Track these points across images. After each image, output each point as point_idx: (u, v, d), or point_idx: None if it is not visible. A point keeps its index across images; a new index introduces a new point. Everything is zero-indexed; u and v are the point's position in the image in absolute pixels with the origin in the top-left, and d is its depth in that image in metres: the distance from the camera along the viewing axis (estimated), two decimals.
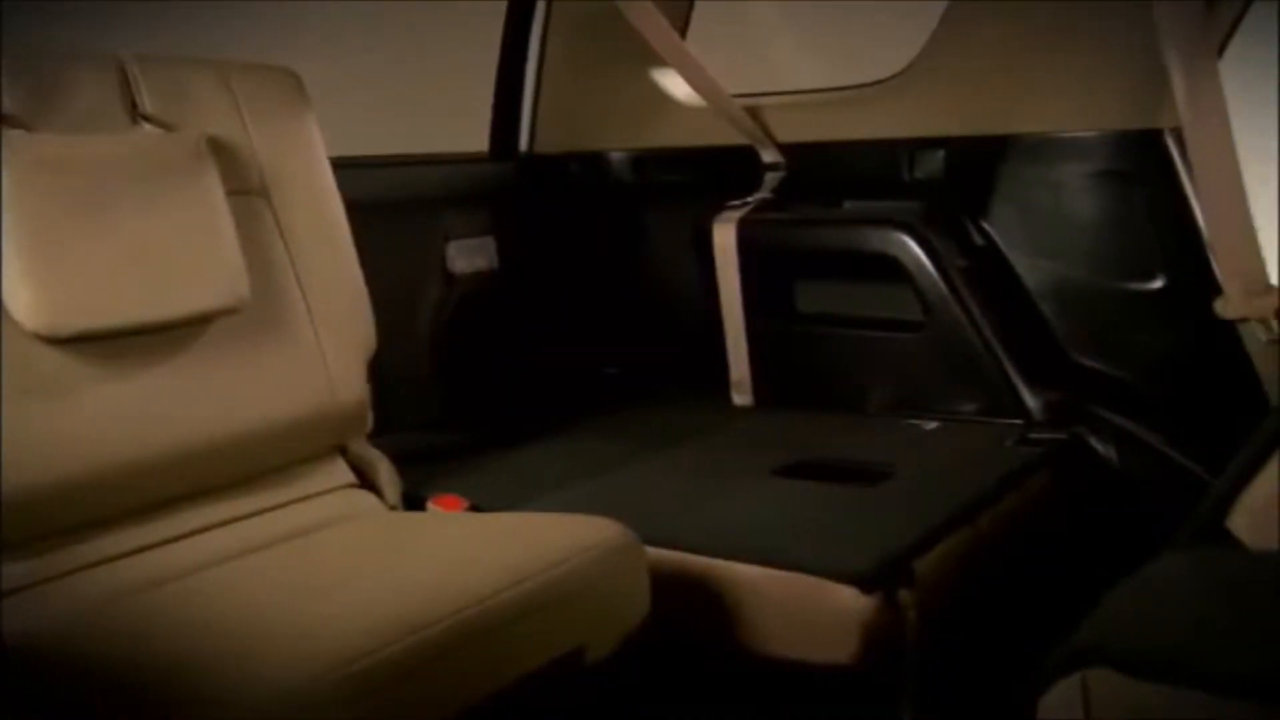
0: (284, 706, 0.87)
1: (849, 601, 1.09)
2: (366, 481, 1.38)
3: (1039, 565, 1.39)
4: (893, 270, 1.65)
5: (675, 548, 1.20)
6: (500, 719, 1.02)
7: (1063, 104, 1.58)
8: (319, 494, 1.33)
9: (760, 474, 1.44)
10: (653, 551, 1.16)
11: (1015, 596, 1.35)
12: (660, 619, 1.13)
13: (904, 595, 1.11)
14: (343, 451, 1.38)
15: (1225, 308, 1.29)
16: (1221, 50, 1.44)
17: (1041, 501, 1.41)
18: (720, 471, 1.48)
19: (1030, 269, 1.61)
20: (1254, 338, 1.32)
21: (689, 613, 1.18)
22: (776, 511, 1.31)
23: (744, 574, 1.16)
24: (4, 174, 1.09)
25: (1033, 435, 1.50)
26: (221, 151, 1.27)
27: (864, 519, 1.26)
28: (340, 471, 1.37)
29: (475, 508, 1.38)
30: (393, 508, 1.37)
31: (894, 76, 1.75)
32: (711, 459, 1.56)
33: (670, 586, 1.16)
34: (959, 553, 1.22)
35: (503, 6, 2.03)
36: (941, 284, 1.61)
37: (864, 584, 1.09)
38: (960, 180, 1.65)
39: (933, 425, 1.59)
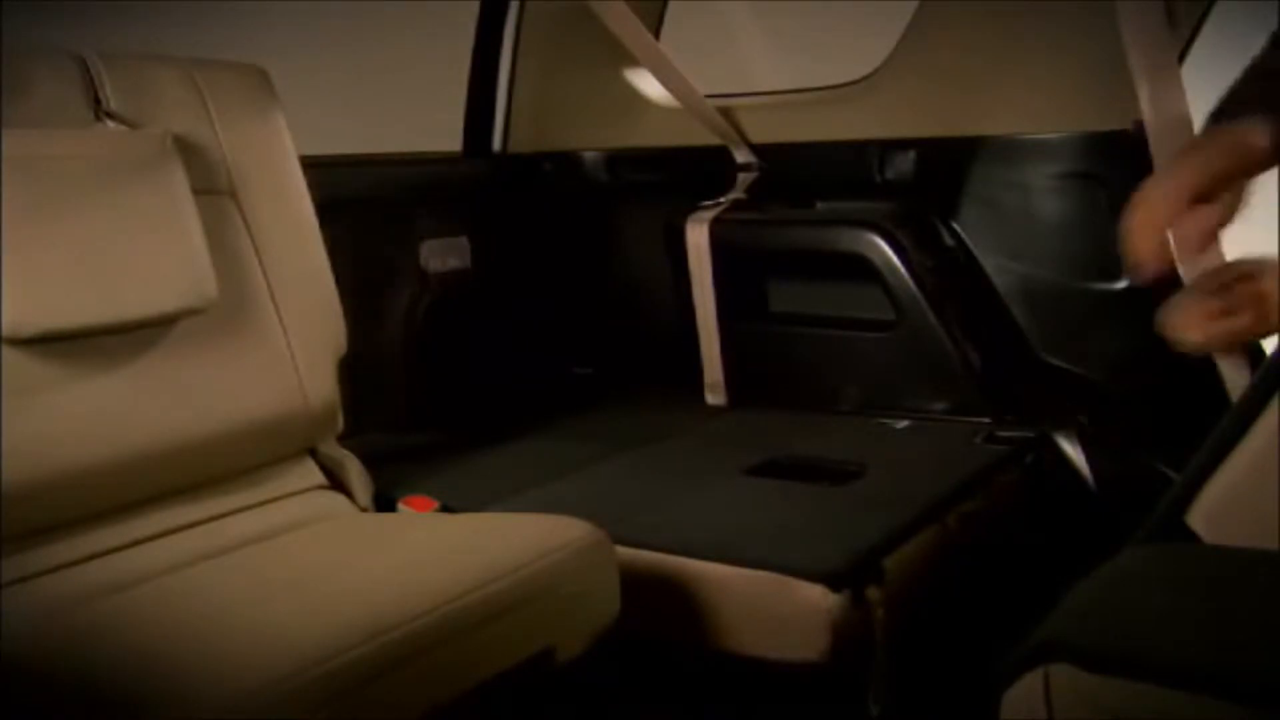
0: (250, 708, 0.86)
1: (817, 599, 1.10)
2: (337, 483, 1.38)
3: (1006, 561, 1.40)
4: (864, 270, 1.66)
5: (644, 547, 1.20)
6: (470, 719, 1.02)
7: (1032, 105, 1.60)
8: (289, 495, 1.33)
9: (730, 473, 1.45)
10: (622, 551, 1.16)
11: (982, 593, 1.36)
12: (630, 619, 1.13)
13: (872, 592, 1.12)
14: (313, 453, 1.38)
15: None
16: (1185, 52, 1.46)
17: (1009, 498, 1.43)
18: (690, 471, 1.48)
19: (999, 269, 1.63)
20: None
21: (658, 612, 1.19)
22: (745, 510, 1.32)
23: (712, 573, 1.16)
24: None
25: (1001, 434, 1.51)
26: (188, 150, 1.26)
27: (832, 517, 1.27)
28: (310, 473, 1.36)
29: (447, 508, 1.37)
30: (363, 509, 1.36)
31: (865, 77, 1.76)
32: (682, 458, 1.56)
33: (640, 586, 1.16)
34: (927, 550, 1.23)
35: (475, 5, 2.02)
36: (912, 284, 1.62)
37: (832, 582, 1.10)
38: (931, 181, 1.66)
39: (903, 424, 1.60)
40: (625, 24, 1.72)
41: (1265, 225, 1.28)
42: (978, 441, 1.51)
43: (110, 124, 1.22)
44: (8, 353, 1.09)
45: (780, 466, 1.46)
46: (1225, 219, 0.91)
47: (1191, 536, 0.81)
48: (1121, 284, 1.51)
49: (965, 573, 1.30)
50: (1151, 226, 0.88)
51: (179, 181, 1.22)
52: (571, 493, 1.41)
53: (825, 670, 1.10)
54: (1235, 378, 1.26)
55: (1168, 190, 0.87)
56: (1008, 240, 1.62)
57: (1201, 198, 0.87)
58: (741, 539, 1.21)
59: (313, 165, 1.40)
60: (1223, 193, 0.88)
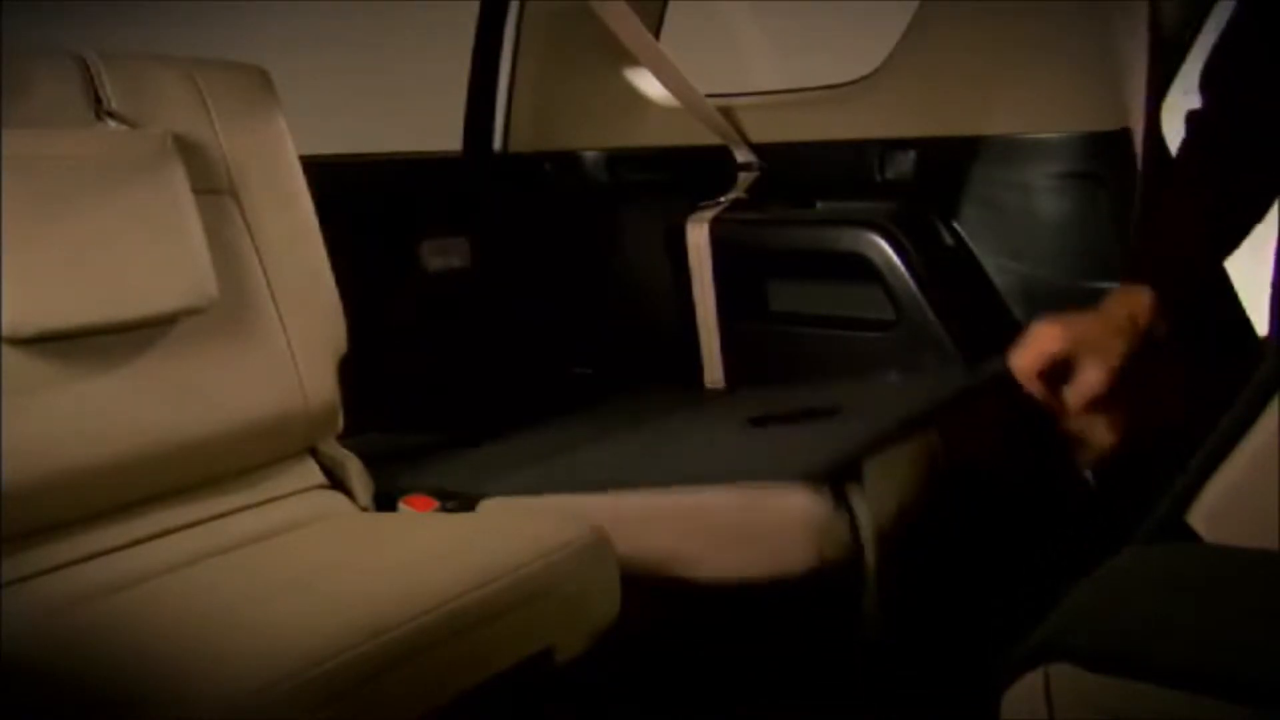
0: (250, 708, 0.86)
1: (798, 501, 1.08)
2: (337, 482, 1.38)
3: (1005, 560, 1.40)
4: (864, 270, 1.66)
5: (630, 488, 1.19)
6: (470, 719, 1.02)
7: (1032, 105, 1.60)
8: (289, 495, 1.33)
9: (718, 425, 1.45)
10: (609, 497, 1.15)
11: (981, 593, 1.36)
12: (622, 562, 1.12)
13: (853, 489, 1.10)
14: (313, 452, 1.38)
15: None
16: (1185, 52, 1.46)
17: (991, 423, 1.40)
18: (679, 429, 1.49)
19: (1000, 269, 1.63)
20: None
21: (649, 551, 1.16)
22: (729, 445, 1.32)
23: (694, 499, 1.16)
24: None
25: (979, 364, 1.47)
26: (188, 150, 1.26)
27: (814, 438, 1.26)
28: (311, 472, 1.36)
29: (443, 492, 1.36)
30: (364, 508, 1.36)
31: (866, 77, 1.76)
32: (672, 422, 1.56)
33: (628, 526, 1.14)
34: (909, 457, 1.22)
35: (475, 5, 2.02)
36: (912, 284, 1.62)
37: (811, 481, 1.08)
38: (931, 181, 1.66)
39: (895, 378, 1.59)
40: (626, 23, 1.72)
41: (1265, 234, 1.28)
42: (958, 369, 1.50)
43: (111, 124, 1.22)
44: (7, 352, 1.09)
45: (768, 418, 1.45)
46: (1102, 381, 1.03)
47: (1192, 536, 0.81)
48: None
49: (951, 489, 1.26)
50: (1028, 376, 1.03)
51: (179, 181, 1.22)
52: (563, 459, 1.39)
53: (816, 582, 1.09)
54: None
55: (1029, 353, 1.03)
56: (1008, 240, 1.62)
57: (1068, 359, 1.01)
58: (721, 464, 1.20)
59: (313, 165, 1.40)
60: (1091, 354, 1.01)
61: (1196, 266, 1.15)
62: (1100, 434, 1.10)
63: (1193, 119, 1.17)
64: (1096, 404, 1.06)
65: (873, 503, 1.12)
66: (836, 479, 1.10)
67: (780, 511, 1.09)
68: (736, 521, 1.13)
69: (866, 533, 1.10)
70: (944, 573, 1.29)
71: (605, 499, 1.20)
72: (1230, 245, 1.22)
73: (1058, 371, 1.05)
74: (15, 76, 1.16)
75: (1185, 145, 1.17)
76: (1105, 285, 1.54)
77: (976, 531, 1.33)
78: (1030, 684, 0.70)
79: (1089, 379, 1.05)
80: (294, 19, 1.98)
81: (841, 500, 1.09)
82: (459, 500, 1.32)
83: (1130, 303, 1.10)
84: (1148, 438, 1.09)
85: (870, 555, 1.10)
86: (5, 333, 1.08)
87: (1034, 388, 1.05)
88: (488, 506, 1.29)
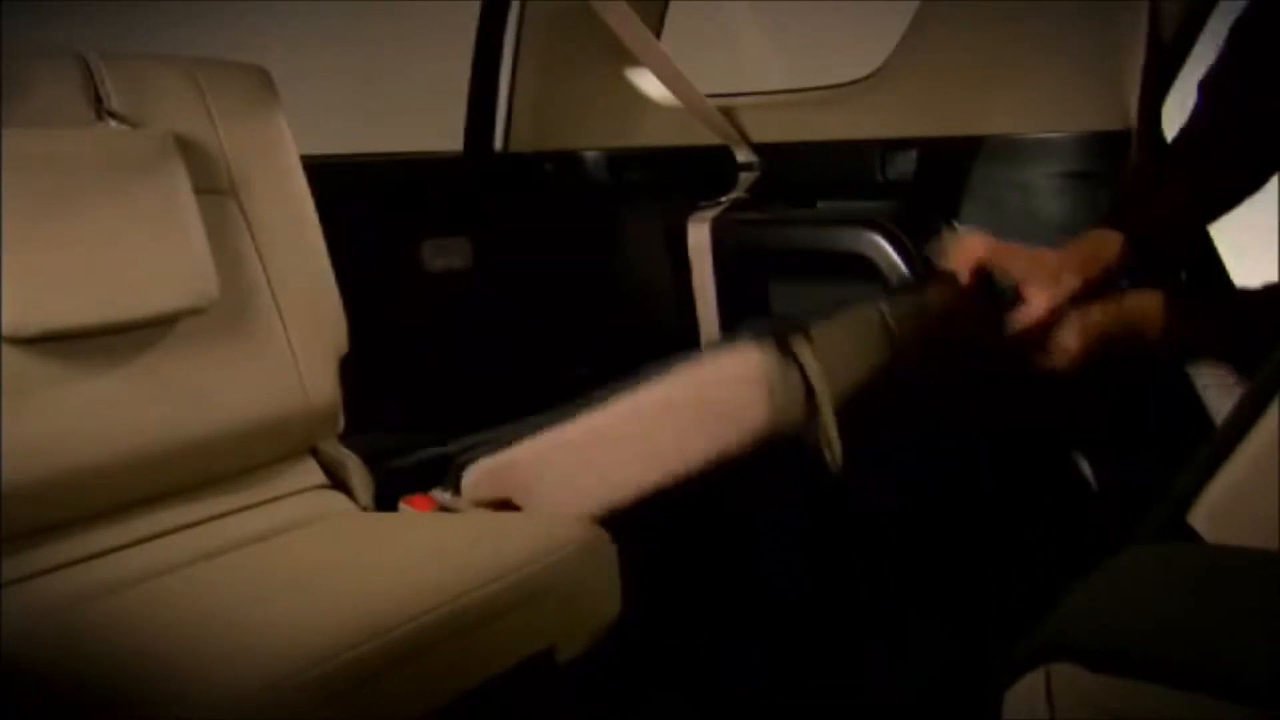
0: (250, 708, 0.86)
1: (747, 359, 1.12)
2: (338, 482, 1.37)
3: (1006, 559, 1.40)
4: (866, 270, 1.66)
5: (598, 406, 1.21)
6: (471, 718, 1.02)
7: (1033, 105, 1.60)
8: (290, 495, 1.32)
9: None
10: (578, 423, 1.17)
11: (982, 591, 1.36)
12: (602, 479, 1.14)
13: (799, 344, 1.13)
14: (314, 452, 1.38)
15: None
16: (1186, 53, 1.46)
17: (947, 308, 1.38)
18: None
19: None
20: None
21: (623, 459, 1.19)
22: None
23: (655, 395, 1.18)
24: None
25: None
26: (189, 149, 1.25)
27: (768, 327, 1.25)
28: (312, 472, 1.36)
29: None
30: (364, 508, 1.36)
31: (867, 77, 1.76)
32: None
33: (603, 444, 1.18)
34: (857, 320, 1.25)
35: (476, 5, 2.02)
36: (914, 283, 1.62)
37: (756, 339, 1.12)
38: (932, 180, 1.66)
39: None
40: (626, 24, 1.72)
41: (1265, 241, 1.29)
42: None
43: (112, 124, 1.22)
44: (9, 352, 1.09)
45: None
46: (1042, 309, 1.18)
47: (1193, 536, 0.81)
48: (1122, 284, 1.51)
49: (902, 373, 1.27)
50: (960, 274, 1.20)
51: (180, 181, 1.22)
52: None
53: (777, 431, 1.12)
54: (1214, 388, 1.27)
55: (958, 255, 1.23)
56: (1009, 239, 1.61)
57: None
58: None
59: (314, 164, 1.40)
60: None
61: (1175, 224, 1.25)
62: (1053, 350, 1.21)
63: (1209, 84, 1.19)
64: (1043, 327, 1.18)
65: (822, 356, 1.15)
66: (782, 336, 1.14)
67: (732, 374, 1.13)
68: (695, 401, 1.16)
69: (818, 381, 1.13)
70: (949, 614, 1.30)
71: (575, 425, 1.21)
72: (1214, 213, 1.27)
73: (1010, 297, 1.18)
74: (16, 76, 1.16)
75: (1194, 112, 1.21)
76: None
77: (984, 587, 1.34)
78: (1032, 684, 0.70)
79: (1032, 306, 1.19)
80: (293, 19, 1.98)
81: (788, 353, 1.13)
82: (437, 463, 1.32)
83: (1097, 245, 1.21)
84: (1100, 364, 1.20)
85: (824, 402, 1.13)
86: (7, 332, 1.08)
87: (965, 287, 1.22)
88: (470, 476, 1.28)
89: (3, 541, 1.08)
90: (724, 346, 1.14)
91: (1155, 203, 1.27)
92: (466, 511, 1.30)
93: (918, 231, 1.65)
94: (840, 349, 1.20)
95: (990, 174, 1.63)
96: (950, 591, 1.59)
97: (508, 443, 1.25)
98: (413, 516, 1.33)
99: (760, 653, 1.51)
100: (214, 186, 1.29)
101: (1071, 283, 1.21)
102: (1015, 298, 1.26)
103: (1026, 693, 0.71)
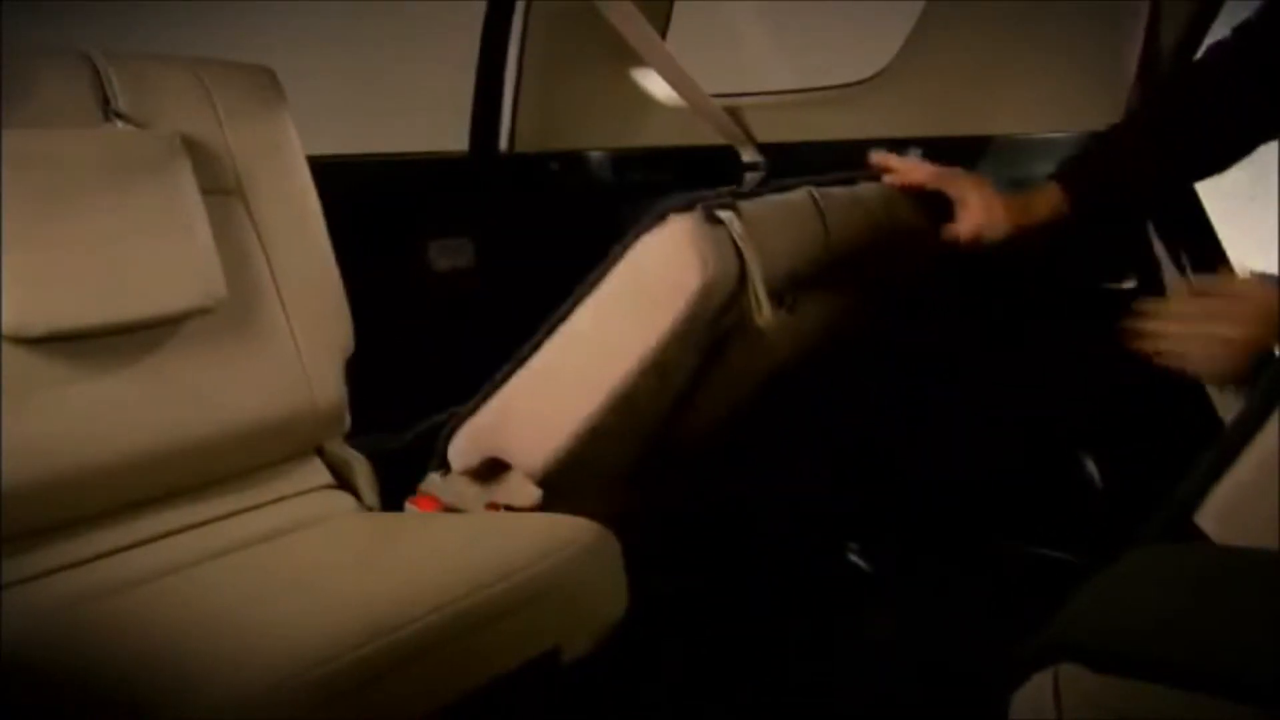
0: (254, 708, 0.86)
1: (672, 229, 1.13)
2: (344, 482, 1.38)
3: (1011, 560, 1.40)
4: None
5: (545, 336, 1.25)
6: (476, 718, 1.02)
7: (1037, 105, 1.59)
8: (296, 495, 1.33)
9: None
10: (529, 367, 1.21)
11: (987, 592, 1.35)
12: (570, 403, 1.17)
13: (725, 214, 1.15)
14: (320, 452, 1.38)
15: None
16: (1189, 54, 1.46)
17: (886, 209, 1.39)
18: None
19: (1007, 267, 1.62)
20: None
21: (583, 383, 1.21)
22: None
23: (595, 298, 1.21)
24: None
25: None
26: (195, 150, 1.26)
27: None
28: (318, 472, 1.36)
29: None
30: (370, 508, 1.36)
31: (872, 77, 1.76)
32: None
33: (557, 373, 1.22)
34: (787, 207, 1.26)
35: (481, 5, 2.02)
36: (919, 283, 1.62)
37: (679, 211, 1.14)
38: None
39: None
40: (631, 23, 1.72)
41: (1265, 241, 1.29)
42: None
43: (119, 124, 1.22)
44: (16, 352, 1.09)
45: None
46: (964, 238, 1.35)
47: (1201, 536, 0.81)
48: (1129, 284, 1.51)
49: (834, 242, 1.29)
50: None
51: (187, 182, 1.22)
52: None
53: (713, 298, 1.14)
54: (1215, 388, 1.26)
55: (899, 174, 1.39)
56: (1016, 238, 1.61)
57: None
58: None
59: (319, 164, 1.40)
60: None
61: (1125, 192, 1.31)
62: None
63: (1215, 50, 1.22)
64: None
65: (749, 224, 1.16)
66: (708, 206, 1.16)
67: (663, 249, 1.15)
68: (632, 290, 1.17)
69: (745, 245, 1.14)
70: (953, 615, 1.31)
71: (528, 367, 1.24)
72: (1167, 189, 1.32)
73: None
74: (24, 76, 1.16)
75: (1168, 85, 1.27)
76: (1112, 286, 1.56)
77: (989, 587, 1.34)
78: (1039, 685, 0.70)
79: (960, 229, 1.33)
80: (295, 19, 1.98)
81: (714, 219, 1.14)
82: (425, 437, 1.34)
83: (1039, 199, 1.31)
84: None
85: (752, 263, 1.15)
86: (14, 333, 1.09)
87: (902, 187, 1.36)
88: (454, 450, 1.30)
89: (3, 542, 1.08)
90: (651, 224, 1.15)
91: (1109, 169, 1.31)
92: (471, 511, 1.31)
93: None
94: (769, 222, 1.21)
95: (995, 174, 1.62)
96: (955, 590, 1.59)
97: (475, 408, 1.28)
98: (418, 517, 1.33)
99: (760, 653, 1.51)
100: (220, 187, 1.29)
101: (1001, 226, 1.32)
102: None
103: (1034, 694, 0.71)
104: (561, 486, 1.27)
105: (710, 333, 1.21)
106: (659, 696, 1.39)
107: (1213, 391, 1.28)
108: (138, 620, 1.03)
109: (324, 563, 1.17)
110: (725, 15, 2.27)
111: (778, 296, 1.22)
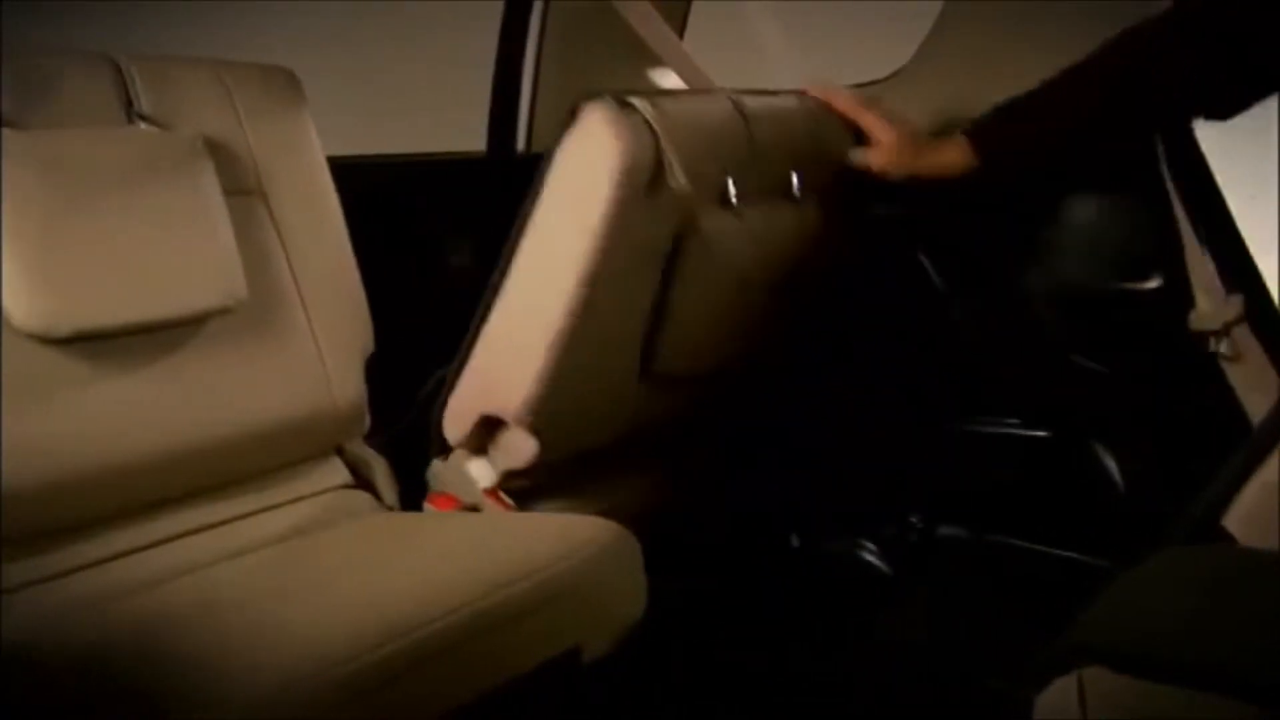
0: (274, 708, 0.87)
1: (591, 118, 1.20)
2: (363, 481, 1.38)
3: (1034, 563, 1.39)
4: (890, 271, 1.65)
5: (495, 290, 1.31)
6: (496, 718, 1.02)
7: None
8: (315, 494, 1.33)
9: None
10: (490, 319, 1.28)
11: (1011, 594, 1.34)
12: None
13: (637, 101, 1.22)
14: (340, 451, 1.38)
15: (1194, 319, 1.32)
16: None
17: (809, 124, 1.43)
18: None
19: (1026, 269, 1.61)
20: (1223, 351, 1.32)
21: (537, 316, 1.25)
22: None
23: (530, 229, 1.27)
24: (0, 172, 1.09)
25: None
26: (217, 151, 1.26)
27: None
28: (337, 471, 1.37)
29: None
30: (389, 508, 1.37)
31: (889, 77, 1.75)
32: None
33: (514, 319, 1.28)
34: (705, 105, 1.32)
35: (499, 5, 2.03)
36: (940, 285, 1.61)
37: (591, 98, 1.22)
38: (956, 180, 1.64)
39: None
40: (649, 23, 1.71)
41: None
42: None
43: (142, 126, 1.23)
44: (41, 352, 1.10)
45: None
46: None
47: (1228, 538, 0.80)
48: (1152, 284, 1.50)
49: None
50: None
51: (209, 183, 1.23)
52: None
53: (635, 182, 1.18)
54: (1245, 391, 1.25)
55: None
56: (1034, 241, 1.60)
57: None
58: None
59: (339, 165, 1.41)
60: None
61: (1035, 157, 1.35)
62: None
63: (1150, 23, 1.25)
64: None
65: (664, 112, 1.21)
66: (618, 95, 1.22)
67: (579, 143, 1.20)
68: (563, 195, 1.22)
69: (658, 123, 1.19)
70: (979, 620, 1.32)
71: (490, 320, 1.30)
72: (1077, 160, 1.40)
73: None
74: (50, 78, 1.17)
75: (1101, 53, 1.33)
76: (1136, 287, 1.55)
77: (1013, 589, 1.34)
78: (1063, 688, 0.70)
79: (868, 159, 1.38)
80: (312, 19, 1.99)
81: (628, 108, 1.20)
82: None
83: (948, 151, 1.35)
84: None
85: (666, 139, 1.19)
86: (42, 332, 1.09)
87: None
88: (447, 429, 1.34)
89: (36, 540, 1.09)
90: (566, 124, 1.21)
91: (1020, 129, 1.34)
92: (490, 510, 1.31)
93: (942, 234, 1.64)
94: (686, 113, 1.26)
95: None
96: (973, 591, 1.58)
97: (457, 372, 1.32)
98: (437, 516, 1.34)
99: (776, 654, 1.51)
100: (241, 187, 1.30)
101: (904, 168, 1.37)
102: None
103: (1058, 697, 0.70)
104: (557, 430, 1.28)
105: (650, 228, 1.23)
106: (673, 697, 1.39)
107: (1241, 393, 1.27)
108: (157, 620, 1.03)
109: (343, 563, 1.17)
110: (742, 14, 2.27)
111: (718, 196, 1.26)
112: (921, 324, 1.65)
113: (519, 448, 1.30)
